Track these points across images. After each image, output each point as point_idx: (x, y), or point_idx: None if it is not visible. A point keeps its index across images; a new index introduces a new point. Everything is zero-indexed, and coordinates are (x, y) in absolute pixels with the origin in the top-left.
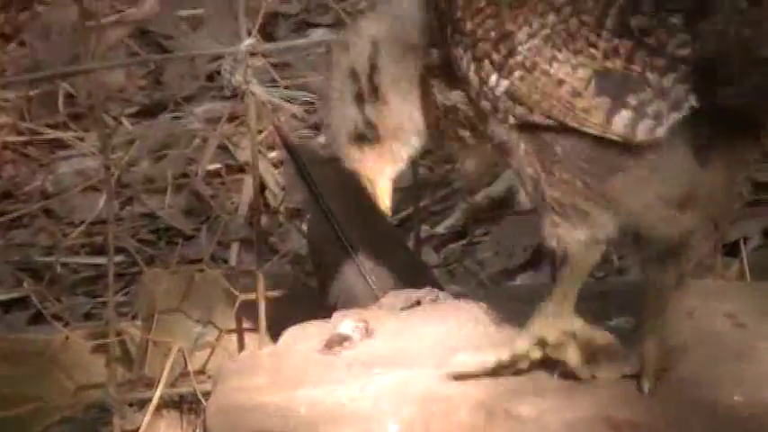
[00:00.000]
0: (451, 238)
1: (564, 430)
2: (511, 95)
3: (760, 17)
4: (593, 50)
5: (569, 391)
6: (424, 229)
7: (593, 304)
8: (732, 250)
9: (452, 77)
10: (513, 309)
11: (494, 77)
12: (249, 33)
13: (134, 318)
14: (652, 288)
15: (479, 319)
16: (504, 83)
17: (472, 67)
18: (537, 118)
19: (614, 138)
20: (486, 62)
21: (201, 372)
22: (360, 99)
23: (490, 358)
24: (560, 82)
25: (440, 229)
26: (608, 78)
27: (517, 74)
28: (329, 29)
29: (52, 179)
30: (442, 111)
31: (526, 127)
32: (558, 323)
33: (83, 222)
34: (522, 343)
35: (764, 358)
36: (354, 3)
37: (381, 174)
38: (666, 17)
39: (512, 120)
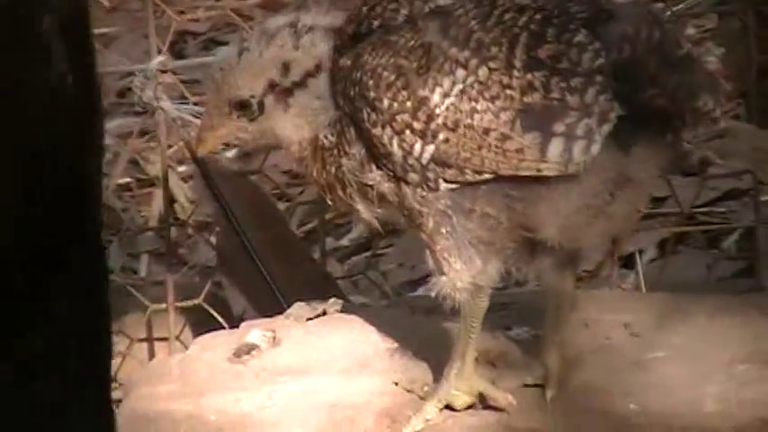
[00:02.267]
0: (356, 251)
1: None
2: (438, 160)
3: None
4: (509, 92)
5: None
6: (329, 242)
7: (494, 315)
8: (628, 262)
9: (367, 158)
10: (415, 320)
11: (418, 146)
12: (159, 51)
13: None
14: (551, 298)
15: (384, 330)
16: (430, 149)
17: (395, 141)
18: (469, 177)
19: (552, 173)
20: (408, 132)
21: (112, 380)
22: (272, 86)
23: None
24: (486, 131)
25: (344, 241)
26: (531, 114)
27: (441, 136)
28: None
29: None
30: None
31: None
32: (462, 386)
33: None
34: (431, 408)
35: (659, 368)
36: (260, 22)
37: (231, 134)
38: (572, 37)
39: (443, 186)
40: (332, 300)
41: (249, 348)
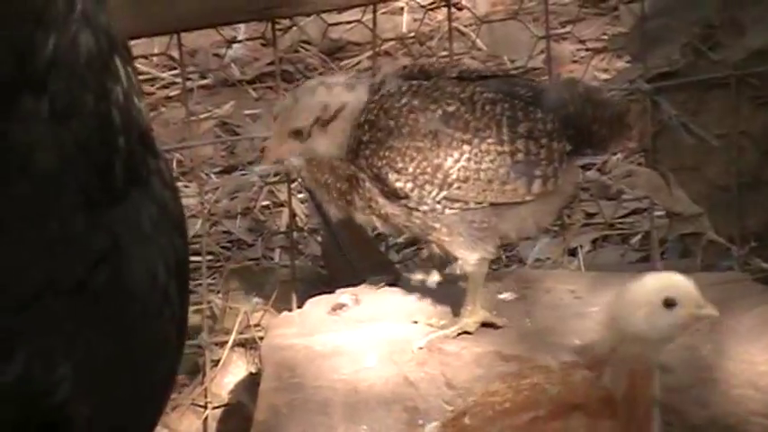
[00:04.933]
0: (406, 246)
1: (472, 359)
2: (449, 199)
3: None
4: (504, 155)
5: (476, 337)
6: (391, 240)
7: (492, 285)
8: (573, 253)
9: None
10: (442, 288)
11: (435, 192)
12: None
13: (218, 292)
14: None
15: (424, 293)
16: (444, 193)
17: (416, 191)
18: (472, 205)
19: (531, 198)
20: (428, 186)
21: (257, 325)
22: (317, 120)
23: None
24: (490, 181)
25: (400, 240)
26: (518, 166)
27: (455, 185)
28: None
29: None
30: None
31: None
32: (474, 317)
33: None
34: (453, 329)
35: (592, 317)
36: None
37: (288, 152)
38: (534, 115)
39: (447, 212)
40: (392, 275)
41: (341, 306)
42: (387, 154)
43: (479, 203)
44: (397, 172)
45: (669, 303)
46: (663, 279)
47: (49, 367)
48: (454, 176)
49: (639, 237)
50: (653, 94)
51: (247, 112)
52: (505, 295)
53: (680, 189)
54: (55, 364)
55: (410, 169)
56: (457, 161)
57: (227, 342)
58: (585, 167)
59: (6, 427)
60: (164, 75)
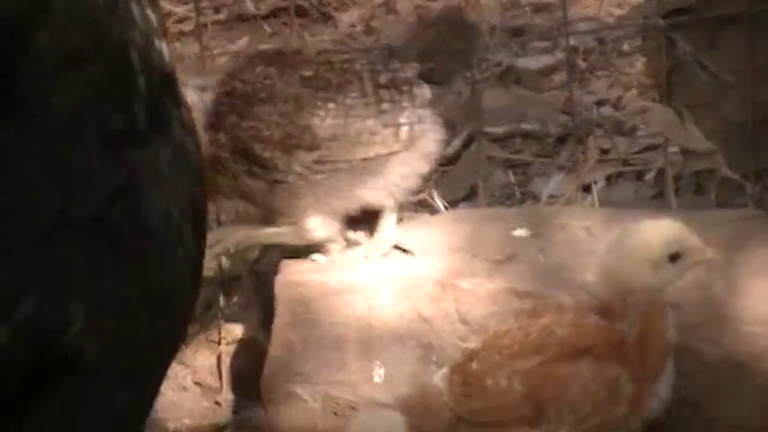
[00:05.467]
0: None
1: (487, 296)
2: (320, 160)
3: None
4: (369, 106)
5: (490, 273)
6: None
7: (506, 222)
8: (587, 188)
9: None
10: (458, 225)
11: (304, 155)
12: None
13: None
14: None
15: (439, 230)
16: (314, 155)
17: (286, 158)
18: (342, 165)
19: (400, 148)
20: (296, 150)
21: (272, 261)
22: None
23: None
24: (359, 132)
25: None
26: (384, 115)
27: (324, 144)
28: None
29: None
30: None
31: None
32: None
33: None
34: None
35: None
36: None
37: None
38: (393, 66)
39: (320, 176)
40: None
41: (356, 242)
42: (249, 124)
43: (349, 161)
44: (263, 141)
45: (675, 257)
46: (663, 233)
47: (60, 306)
48: (322, 136)
49: (654, 173)
50: (667, 31)
51: (262, 47)
52: (519, 232)
53: (694, 126)
54: (66, 302)
55: (276, 136)
56: (323, 119)
57: (240, 277)
58: (599, 103)
59: (20, 367)
60: (178, 9)
